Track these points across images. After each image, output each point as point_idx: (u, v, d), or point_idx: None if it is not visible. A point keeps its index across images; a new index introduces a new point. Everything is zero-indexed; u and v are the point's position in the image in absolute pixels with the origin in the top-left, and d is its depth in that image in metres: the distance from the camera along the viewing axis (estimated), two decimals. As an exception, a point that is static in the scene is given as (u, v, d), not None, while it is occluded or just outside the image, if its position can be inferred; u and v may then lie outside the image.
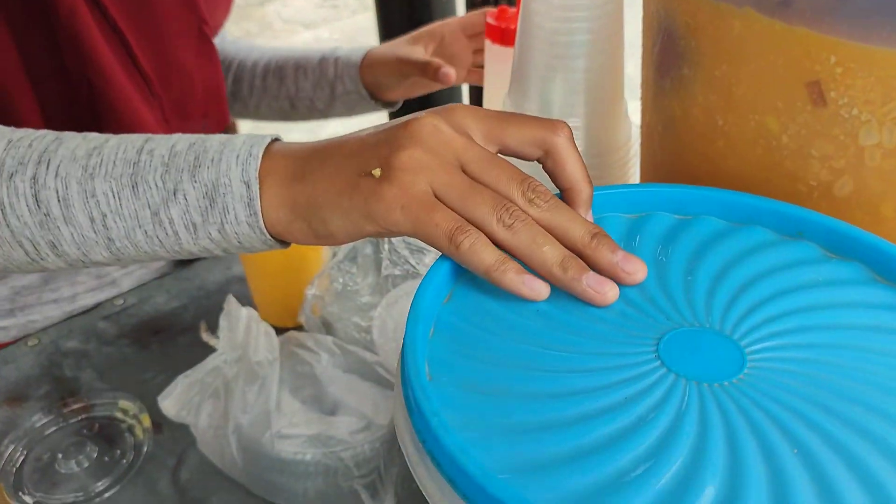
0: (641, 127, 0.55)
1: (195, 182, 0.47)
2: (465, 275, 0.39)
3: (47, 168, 0.49)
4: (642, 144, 0.56)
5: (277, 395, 0.55)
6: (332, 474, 0.52)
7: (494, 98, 0.82)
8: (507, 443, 0.30)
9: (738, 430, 0.30)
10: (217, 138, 0.48)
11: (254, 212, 0.46)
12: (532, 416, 0.32)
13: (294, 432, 0.53)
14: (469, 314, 0.37)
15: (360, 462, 0.53)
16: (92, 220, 0.50)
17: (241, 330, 0.56)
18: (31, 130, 0.51)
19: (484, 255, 0.38)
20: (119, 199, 0.49)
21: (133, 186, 0.48)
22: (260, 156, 0.45)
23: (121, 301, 0.77)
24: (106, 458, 0.60)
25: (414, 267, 0.61)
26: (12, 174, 0.49)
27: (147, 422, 0.63)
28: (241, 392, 0.54)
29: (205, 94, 0.88)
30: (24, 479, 0.59)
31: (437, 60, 0.86)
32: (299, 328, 0.69)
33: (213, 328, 0.60)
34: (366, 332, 0.61)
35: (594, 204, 0.42)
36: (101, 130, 0.72)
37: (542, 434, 0.31)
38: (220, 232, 0.48)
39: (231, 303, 0.57)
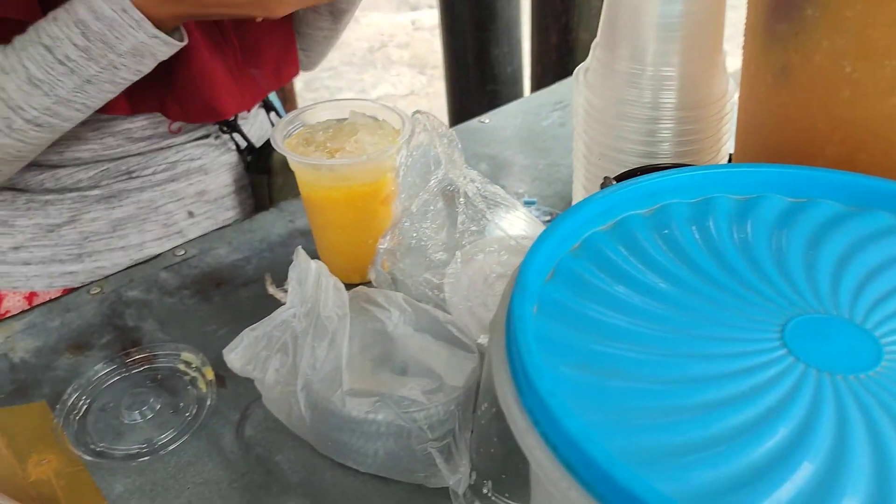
0: (743, 78, 0.51)
1: (121, 55, 0.66)
2: (566, 253, 0.36)
3: (23, 109, 0.67)
4: (742, 98, 0.52)
5: (347, 352, 0.53)
6: (404, 436, 0.50)
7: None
8: (626, 428, 0.27)
9: (883, 430, 0.27)
10: None
11: (165, 40, 0.66)
12: (651, 401, 0.29)
13: (365, 391, 0.51)
14: (573, 292, 0.34)
15: (433, 424, 0.50)
16: (79, 110, 0.68)
17: (311, 283, 0.54)
18: None
19: None
20: (87, 91, 0.67)
21: (87, 82, 0.66)
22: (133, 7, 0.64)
23: (182, 252, 0.76)
24: (170, 411, 0.59)
25: (490, 221, 0.58)
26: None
27: (210, 375, 0.61)
28: (310, 347, 0.52)
29: (277, 45, 0.86)
30: (87, 428, 0.58)
31: None
32: (365, 284, 0.67)
33: (278, 281, 0.58)
34: (437, 289, 0.59)
35: (699, 183, 0.39)
36: (167, 73, 0.72)
37: (663, 421, 0.28)
38: (155, 61, 0.68)
39: (300, 255, 0.55)
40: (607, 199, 0.38)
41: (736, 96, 0.55)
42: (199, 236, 0.78)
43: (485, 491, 0.50)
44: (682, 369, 0.30)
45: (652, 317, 0.33)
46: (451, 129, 0.57)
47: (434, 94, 3.46)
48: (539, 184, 0.84)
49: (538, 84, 1.56)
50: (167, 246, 0.85)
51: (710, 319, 0.32)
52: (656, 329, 0.32)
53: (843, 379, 0.29)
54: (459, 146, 0.57)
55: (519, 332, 0.30)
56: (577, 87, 0.59)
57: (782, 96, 0.45)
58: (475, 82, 1.70)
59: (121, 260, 0.83)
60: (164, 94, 0.79)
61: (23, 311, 0.69)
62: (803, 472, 0.26)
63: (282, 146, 0.63)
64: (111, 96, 0.69)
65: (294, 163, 0.64)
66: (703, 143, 0.57)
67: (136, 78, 0.69)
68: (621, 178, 0.53)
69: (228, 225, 0.79)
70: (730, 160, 0.61)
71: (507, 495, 0.50)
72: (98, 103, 0.69)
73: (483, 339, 0.56)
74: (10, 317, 0.69)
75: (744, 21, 0.49)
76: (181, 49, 0.78)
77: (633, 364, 0.30)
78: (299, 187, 0.68)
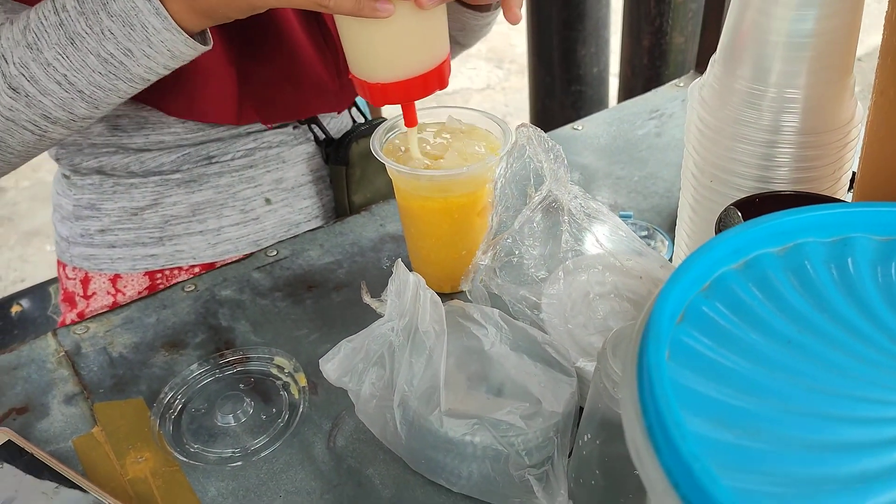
0: (876, 104, 0.48)
1: (112, 17, 0.58)
2: (697, 293, 0.34)
3: (5, 60, 0.60)
4: (873, 125, 0.49)
5: (444, 370, 0.52)
6: (501, 460, 0.49)
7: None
8: (773, 498, 0.26)
9: None
10: None
11: (164, 17, 0.58)
12: (798, 467, 0.27)
13: (462, 412, 0.50)
14: (706, 337, 0.32)
15: (530, 450, 0.49)
16: (59, 83, 0.61)
17: (409, 297, 0.53)
18: None
19: (344, 3, 0.53)
20: (67, 57, 0.60)
21: (71, 42, 0.59)
22: None
23: (274, 252, 0.76)
24: (262, 416, 0.59)
25: (593, 239, 0.56)
26: None
27: (303, 381, 0.61)
28: (407, 363, 0.52)
29: None
30: (182, 428, 0.59)
31: None
32: (456, 294, 0.66)
33: (371, 287, 0.58)
34: (535, 307, 0.57)
35: (837, 221, 0.37)
36: (270, 74, 0.70)
37: (814, 491, 0.26)
38: (150, 46, 0.59)
39: (399, 267, 0.54)
40: (738, 238, 0.36)
41: (863, 122, 0.52)
42: (291, 237, 0.79)
43: (582, 522, 0.49)
44: (831, 433, 0.28)
45: (792, 371, 0.31)
46: (557, 145, 0.56)
47: (510, 89, 3.42)
48: (635, 196, 0.81)
49: (626, 87, 1.53)
50: (244, 231, 0.86)
51: (857, 377, 0.30)
52: (798, 385, 0.30)
53: None
54: (566, 162, 0.56)
55: (656, 385, 0.28)
56: (690, 103, 0.57)
57: (925, 127, 0.42)
58: (560, 82, 1.67)
59: (199, 244, 0.85)
60: (262, 100, 0.80)
61: (120, 306, 0.71)
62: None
63: (381, 153, 0.63)
64: (90, 82, 0.62)
65: (392, 171, 0.63)
66: (823, 169, 0.54)
67: (118, 63, 0.61)
68: (740, 204, 0.50)
69: (320, 227, 0.80)
70: (850, 184, 0.58)
71: (605, 528, 0.48)
72: (77, 85, 0.61)
73: (582, 363, 0.54)
74: (108, 311, 0.70)
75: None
76: (284, 48, 0.79)
77: (776, 424, 0.29)
78: (396, 195, 0.67)
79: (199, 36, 0.62)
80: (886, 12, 0.45)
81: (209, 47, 0.63)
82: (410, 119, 0.62)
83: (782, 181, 0.53)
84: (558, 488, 0.48)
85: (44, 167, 3.11)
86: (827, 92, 0.51)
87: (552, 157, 0.56)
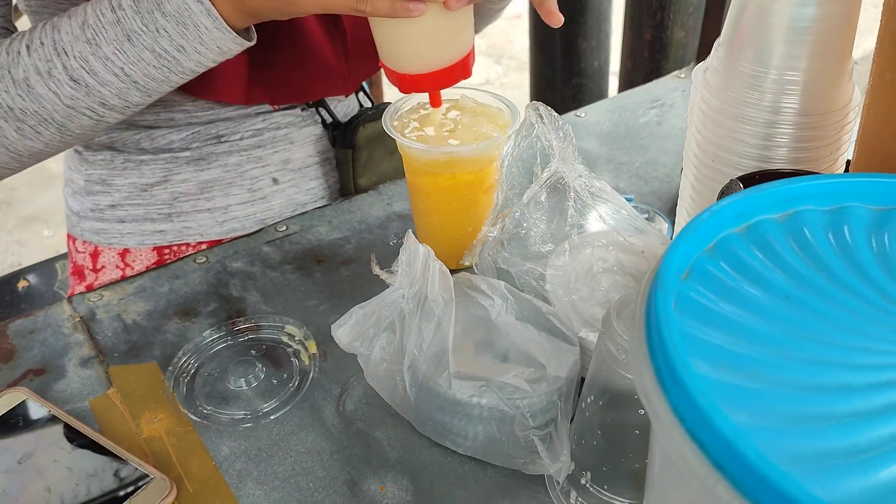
0: (873, 87, 0.50)
1: (166, 16, 0.62)
2: (701, 253, 0.36)
3: (67, 56, 0.64)
4: (870, 107, 0.51)
5: (453, 336, 0.54)
6: (507, 421, 0.51)
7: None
8: (771, 432, 0.28)
9: None
10: None
11: (215, 17, 0.62)
12: (794, 406, 0.29)
13: (470, 374, 0.52)
14: (710, 291, 0.34)
15: (535, 413, 0.51)
16: (116, 75, 0.65)
17: (419, 266, 0.55)
18: (22, 33, 0.68)
19: (380, 5, 0.57)
20: (124, 52, 0.64)
21: (128, 38, 0.63)
22: None
23: (283, 227, 0.78)
24: (273, 380, 0.61)
25: (598, 216, 0.58)
26: (48, 71, 0.65)
27: (313, 348, 0.63)
28: (417, 328, 0.54)
29: None
30: (195, 391, 0.60)
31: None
32: (462, 270, 0.68)
33: (380, 262, 0.60)
34: (540, 279, 0.59)
35: (834, 190, 0.39)
36: (279, 57, 0.71)
37: (808, 427, 0.28)
38: (201, 44, 0.64)
39: (410, 238, 0.56)
40: (741, 203, 0.38)
41: (860, 105, 0.54)
42: (300, 213, 0.80)
43: (583, 482, 0.51)
44: (825, 377, 0.30)
45: (789, 321, 0.33)
46: (567, 124, 0.58)
47: (509, 85, 3.44)
48: (636, 181, 0.83)
49: (627, 80, 1.55)
50: (251, 210, 0.88)
51: (851, 328, 0.32)
52: (795, 334, 0.32)
53: None
54: (574, 142, 0.58)
55: (663, 329, 0.30)
56: (694, 86, 0.59)
57: (919, 107, 0.44)
58: (561, 75, 1.69)
59: (207, 221, 0.87)
60: (271, 81, 0.82)
61: (133, 276, 0.72)
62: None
63: (392, 129, 0.65)
64: (145, 74, 0.65)
65: (403, 147, 0.65)
66: (821, 150, 0.56)
67: (171, 58, 0.64)
68: (742, 179, 0.52)
69: (328, 204, 0.81)
70: (846, 169, 0.60)
71: (605, 487, 0.50)
72: (132, 77, 0.65)
73: (584, 333, 0.56)
74: (122, 280, 0.72)
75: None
76: (294, 32, 0.80)
77: (774, 368, 0.31)
78: (405, 171, 0.69)
79: (244, 32, 0.66)
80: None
81: (253, 42, 0.67)
82: (436, 101, 0.66)
83: (782, 161, 0.55)
84: (561, 449, 0.50)
85: (42, 152, 3.11)
86: (826, 75, 0.53)
87: (561, 135, 0.57)
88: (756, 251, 0.37)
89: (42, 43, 0.65)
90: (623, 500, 0.50)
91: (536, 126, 0.58)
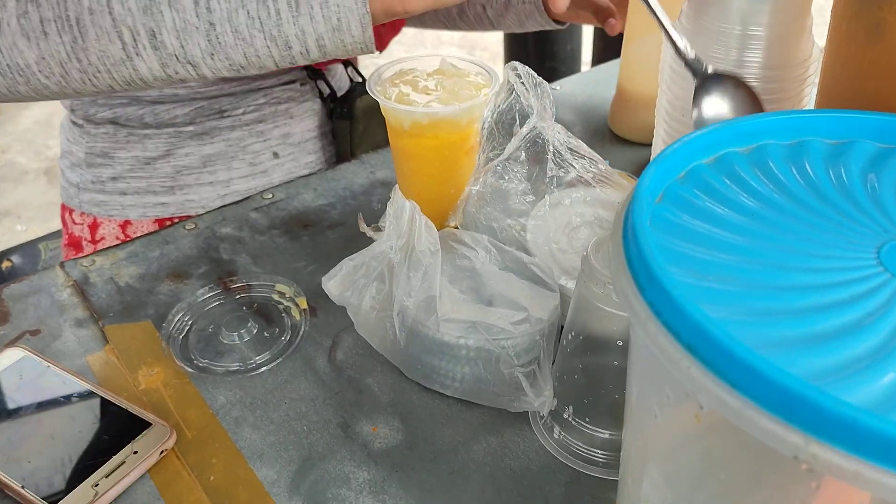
0: (831, 37, 0.53)
1: None
2: (674, 180, 0.39)
3: None
4: (828, 58, 0.54)
5: (439, 284, 0.56)
6: (493, 361, 0.54)
7: (637, 15, 0.81)
8: (738, 323, 0.31)
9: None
10: None
11: None
12: (759, 303, 0.32)
13: (457, 317, 0.55)
14: (682, 211, 0.37)
15: (519, 352, 0.54)
16: (196, 2, 0.54)
17: (406, 220, 0.57)
18: None
19: None
20: None
21: None
22: None
23: (269, 195, 0.80)
24: (266, 335, 0.63)
25: (576, 171, 0.61)
26: None
27: (304, 304, 0.65)
28: (405, 277, 0.56)
29: None
30: (189, 346, 0.62)
31: (611, 8, 0.85)
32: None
33: (368, 222, 0.62)
34: (522, 231, 0.62)
35: (795, 125, 0.42)
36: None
37: (772, 319, 0.31)
38: (324, 6, 0.54)
39: (396, 193, 0.58)
40: (709, 136, 0.41)
41: (820, 61, 0.57)
42: (285, 182, 0.82)
43: (565, 416, 0.54)
44: (786, 278, 0.33)
45: (755, 234, 0.36)
46: (543, 81, 0.60)
47: (483, 75, 3.47)
48: (610, 148, 0.87)
49: (600, 60, 1.58)
50: (252, 184, 0.90)
51: (809, 240, 0.35)
52: (759, 245, 0.35)
53: (936, 294, 0.32)
54: (551, 97, 0.61)
55: (640, 238, 0.33)
56: (664, 44, 0.62)
57: (874, 53, 0.48)
58: (534, 59, 1.72)
59: (209, 195, 0.88)
60: None
61: (123, 242, 0.74)
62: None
63: (375, 92, 0.67)
64: (229, 18, 0.56)
65: (387, 109, 0.67)
66: (784, 102, 0.59)
67: (276, 10, 0.55)
68: (709, 128, 0.55)
69: (313, 173, 0.83)
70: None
71: (587, 420, 0.53)
72: (214, 14, 0.55)
73: (564, 281, 0.59)
74: (112, 246, 0.74)
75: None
76: None
77: (740, 272, 0.34)
78: (388, 134, 0.71)
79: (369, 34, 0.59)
80: (840, -45, 0.51)
81: (373, 52, 0.60)
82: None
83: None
84: (545, 385, 0.53)
85: (13, 148, 3.09)
86: (787, 30, 0.56)
87: (539, 91, 0.60)
88: (724, 178, 0.40)
89: None
90: (604, 431, 0.53)
91: (515, 86, 0.61)
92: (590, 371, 0.52)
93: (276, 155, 0.91)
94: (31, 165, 2.98)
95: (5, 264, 1.11)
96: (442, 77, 0.69)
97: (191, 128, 0.86)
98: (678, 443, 0.37)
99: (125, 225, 0.89)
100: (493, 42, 3.74)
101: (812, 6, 0.58)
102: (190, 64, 0.58)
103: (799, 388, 0.26)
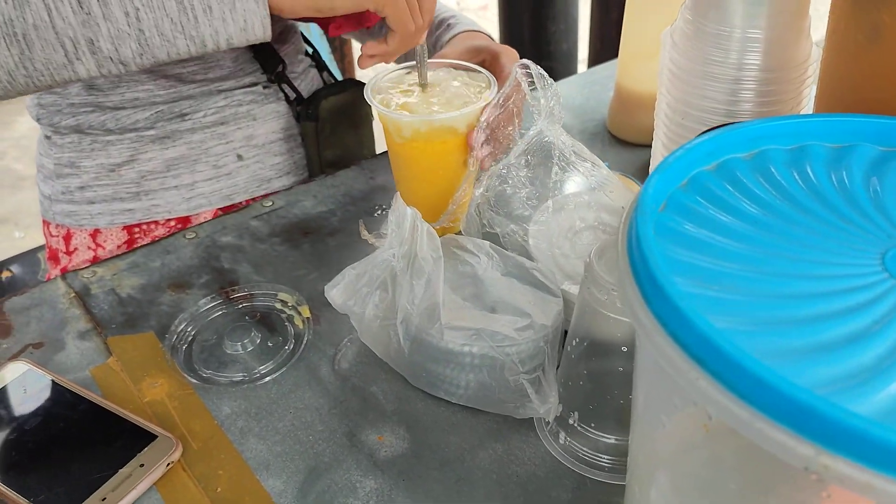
0: (829, 39, 0.54)
1: None
2: (676, 189, 0.39)
3: None
4: (827, 60, 0.54)
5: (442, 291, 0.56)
6: (497, 368, 0.54)
7: (635, 18, 0.81)
8: (744, 334, 0.31)
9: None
10: None
11: None
12: (765, 312, 0.32)
13: (461, 325, 0.55)
14: (685, 220, 0.37)
15: (524, 359, 0.54)
16: (127, 13, 0.64)
17: (408, 227, 0.57)
18: None
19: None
20: None
21: None
22: None
23: (269, 203, 0.80)
24: (269, 344, 0.63)
25: (580, 175, 0.61)
26: None
27: (306, 313, 0.65)
28: (409, 285, 0.56)
29: None
30: (193, 356, 0.62)
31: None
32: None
33: (369, 229, 0.62)
34: (525, 236, 0.62)
35: (796, 130, 0.43)
36: None
37: (778, 329, 0.31)
38: (232, 11, 0.65)
39: (398, 201, 0.58)
40: (710, 143, 0.41)
41: (818, 62, 0.57)
42: (285, 189, 0.82)
43: (571, 421, 0.54)
44: (791, 286, 0.33)
45: (758, 242, 0.36)
46: (555, 83, 0.60)
47: (479, 74, 3.47)
48: (609, 149, 0.87)
49: (597, 60, 1.58)
50: (217, 186, 0.90)
51: (813, 247, 0.35)
52: (763, 253, 0.35)
53: (942, 300, 0.32)
54: (561, 100, 0.61)
55: (645, 248, 0.33)
56: (663, 48, 0.62)
57: (872, 55, 0.48)
58: (530, 58, 1.71)
59: (174, 198, 0.89)
60: None
61: (125, 253, 0.74)
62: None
63: (374, 101, 0.67)
64: (156, 24, 0.65)
65: (388, 118, 0.67)
66: (784, 104, 0.59)
67: (193, 16, 0.66)
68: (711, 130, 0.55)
69: (313, 180, 0.83)
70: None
71: (592, 426, 0.53)
72: (142, 22, 0.65)
73: (567, 286, 0.59)
74: (113, 257, 0.74)
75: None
76: None
77: (746, 281, 0.34)
78: (386, 141, 0.71)
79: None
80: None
81: (268, 39, 0.70)
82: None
83: (747, 115, 0.59)
84: (550, 391, 0.53)
85: (9, 155, 3.09)
86: (785, 32, 0.57)
87: (549, 94, 0.60)
88: (727, 185, 0.40)
89: None
90: (609, 436, 0.53)
91: (523, 84, 0.61)
92: (595, 377, 0.52)
93: (240, 157, 0.91)
94: (27, 172, 2.98)
95: (5, 274, 1.11)
96: (440, 86, 0.69)
97: (152, 132, 0.86)
98: (686, 451, 0.37)
99: (95, 234, 0.89)
100: (488, 41, 3.74)
101: (810, 7, 0.58)
102: (122, 63, 0.67)
103: (808, 399, 0.26)
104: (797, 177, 0.41)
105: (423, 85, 0.70)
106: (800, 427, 0.26)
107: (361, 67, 0.74)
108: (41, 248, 1.16)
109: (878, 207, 0.38)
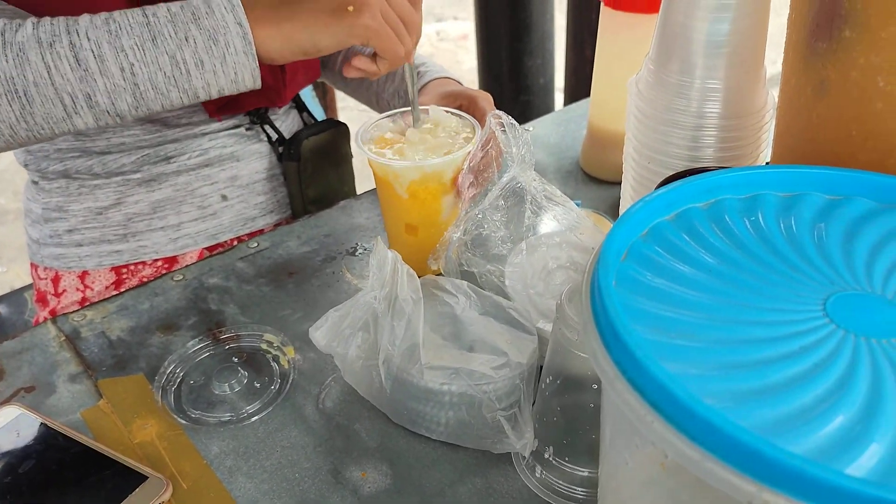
0: (782, 91, 0.57)
1: (200, 30, 0.66)
2: (637, 239, 0.42)
3: (78, 35, 0.65)
4: (781, 109, 0.58)
5: (422, 332, 0.59)
6: (475, 405, 0.56)
7: (604, 64, 0.84)
8: (697, 378, 0.33)
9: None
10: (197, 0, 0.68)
11: (249, 41, 0.67)
12: (716, 357, 0.34)
13: (440, 365, 0.57)
14: (645, 270, 0.40)
15: (500, 396, 0.56)
16: (122, 69, 0.66)
17: (388, 270, 0.60)
18: (43, 18, 0.66)
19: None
20: (143, 49, 0.66)
21: (153, 39, 0.66)
22: (240, 4, 0.67)
23: (255, 244, 0.82)
24: (256, 384, 0.65)
25: (552, 218, 0.64)
26: (51, 43, 0.65)
27: (291, 353, 0.67)
28: (389, 326, 0.58)
29: None
30: (182, 397, 0.64)
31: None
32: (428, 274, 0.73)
33: (349, 270, 0.65)
34: (501, 277, 0.65)
35: (749, 181, 0.46)
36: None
37: (728, 374, 0.34)
38: (222, 64, 0.68)
39: (379, 245, 0.61)
40: (670, 195, 0.44)
41: (775, 108, 0.61)
42: (270, 228, 0.85)
43: (546, 456, 0.56)
44: (742, 332, 0.36)
45: (712, 291, 0.39)
46: (527, 131, 0.63)
47: (460, 104, 3.52)
48: (582, 187, 0.90)
49: (572, 96, 1.62)
50: (202, 227, 0.92)
51: (762, 294, 0.38)
52: (716, 301, 0.38)
53: (878, 343, 0.35)
54: (531, 147, 0.64)
55: (606, 299, 0.36)
56: (629, 96, 0.65)
57: (820, 108, 0.51)
58: (508, 92, 1.76)
59: (160, 239, 0.91)
60: None
61: (114, 295, 0.76)
62: (845, 415, 0.31)
63: (364, 149, 0.70)
64: (150, 79, 0.67)
65: (377, 164, 0.70)
66: (743, 149, 0.62)
67: (186, 70, 0.67)
68: (674, 177, 0.59)
69: (297, 221, 0.86)
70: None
71: (567, 459, 0.56)
72: (137, 77, 0.66)
73: (542, 324, 0.62)
74: (103, 300, 0.76)
75: (782, 34, 0.55)
76: None
77: (699, 328, 0.36)
78: (377, 186, 0.74)
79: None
80: (789, 15, 0.54)
81: (258, 87, 0.71)
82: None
83: (709, 160, 0.62)
84: (526, 427, 0.55)
85: (-3, 193, 3.09)
86: (743, 83, 0.60)
87: (521, 142, 0.63)
88: (684, 235, 0.43)
89: (52, 23, 0.65)
90: (583, 469, 0.55)
91: (497, 133, 0.64)
92: (568, 412, 0.55)
93: (224, 197, 0.93)
94: (10, 206, 2.98)
95: (-8, 314, 1.12)
96: (427, 130, 0.72)
97: (138, 175, 0.89)
98: (647, 486, 0.39)
99: (83, 275, 0.91)
100: (467, 70, 3.79)
101: (765, 58, 0.61)
102: (118, 116, 0.69)
103: (750, 440, 0.29)
104: (749, 226, 0.44)
105: (417, 119, 0.73)
106: (743, 466, 0.29)
107: (346, 75, 0.76)
108: (28, 287, 1.18)
109: (822, 254, 0.41)
